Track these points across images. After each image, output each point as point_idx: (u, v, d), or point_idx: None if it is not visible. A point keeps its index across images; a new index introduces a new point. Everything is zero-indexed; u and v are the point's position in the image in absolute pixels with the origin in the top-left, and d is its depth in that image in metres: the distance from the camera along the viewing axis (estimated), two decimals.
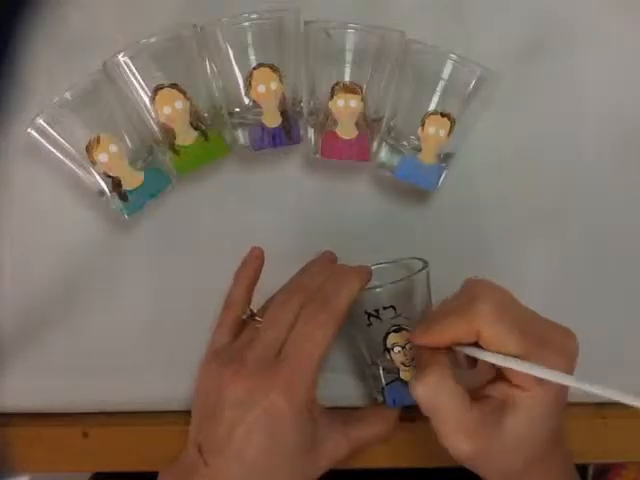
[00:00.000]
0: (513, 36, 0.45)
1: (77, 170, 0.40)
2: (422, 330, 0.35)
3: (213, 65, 0.41)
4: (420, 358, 0.36)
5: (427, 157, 0.41)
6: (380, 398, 0.42)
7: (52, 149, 0.40)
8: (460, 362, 0.37)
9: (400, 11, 0.44)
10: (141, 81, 0.40)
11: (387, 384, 0.41)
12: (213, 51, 0.40)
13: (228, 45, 0.40)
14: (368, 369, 0.43)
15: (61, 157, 0.40)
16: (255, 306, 0.42)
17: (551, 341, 0.34)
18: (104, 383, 0.46)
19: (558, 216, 0.46)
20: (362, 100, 0.40)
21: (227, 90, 0.41)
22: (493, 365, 0.34)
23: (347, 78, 0.40)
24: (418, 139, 0.41)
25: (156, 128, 0.41)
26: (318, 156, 0.42)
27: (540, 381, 0.33)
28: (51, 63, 0.44)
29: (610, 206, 0.46)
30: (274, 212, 0.46)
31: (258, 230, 0.45)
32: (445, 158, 0.41)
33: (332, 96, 0.40)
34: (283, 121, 0.41)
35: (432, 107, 0.40)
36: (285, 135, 0.41)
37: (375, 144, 0.42)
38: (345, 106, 0.40)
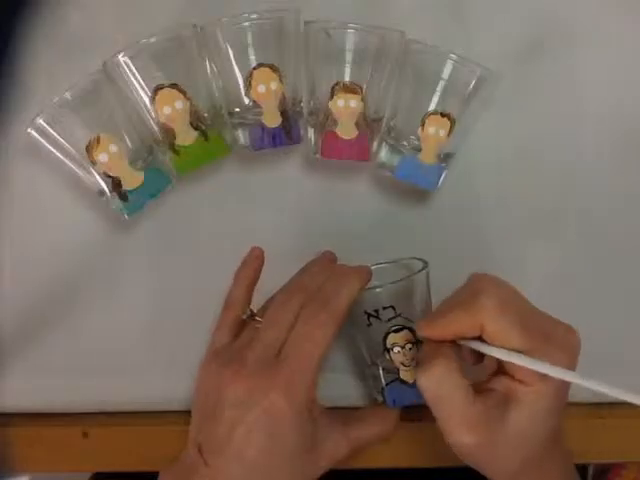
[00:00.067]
0: (513, 36, 0.45)
1: (77, 170, 0.40)
2: (426, 323, 0.36)
3: (213, 65, 0.41)
4: (425, 350, 0.36)
5: (427, 157, 0.41)
6: (380, 398, 0.42)
7: (52, 149, 0.40)
8: (465, 357, 0.37)
9: (400, 11, 0.44)
10: (141, 81, 0.40)
11: (387, 384, 0.41)
12: (213, 51, 0.40)
13: (228, 45, 0.40)
14: (368, 369, 0.43)
15: (61, 157, 0.40)
16: (255, 306, 0.42)
17: (554, 337, 0.34)
18: (104, 383, 0.46)
19: (558, 216, 0.46)
20: (362, 100, 0.40)
21: (227, 90, 0.41)
22: (497, 360, 0.34)
23: (347, 78, 0.40)
24: (418, 139, 0.41)
25: (156, 128, 0.41)
26: (318, 156, 0.42)
27: (543, 376, 0.33)
28: (51, 63, 0.44)
29: (610, 206, 0.46)
30: (274, 212, 0.46)
31: (258, 230, 0.45)
32: (445, 158, 0.41)
33: (332, 96, 0.40)
34: (283, 121, 0.41)
35: (432, 107, 0.40)
36: (285, 135, 0.41)
37: (375, 144, 0.42)
38: (345, 106, 0.40)
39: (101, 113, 0.40)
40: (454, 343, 0.35)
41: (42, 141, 0.39)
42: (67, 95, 0.39)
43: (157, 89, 0.40)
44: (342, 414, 0.40)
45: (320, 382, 0.38)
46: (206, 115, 0.41)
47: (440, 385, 0.33)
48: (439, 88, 0.40)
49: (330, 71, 0.40)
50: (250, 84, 0.40)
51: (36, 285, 0.46)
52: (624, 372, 0.41)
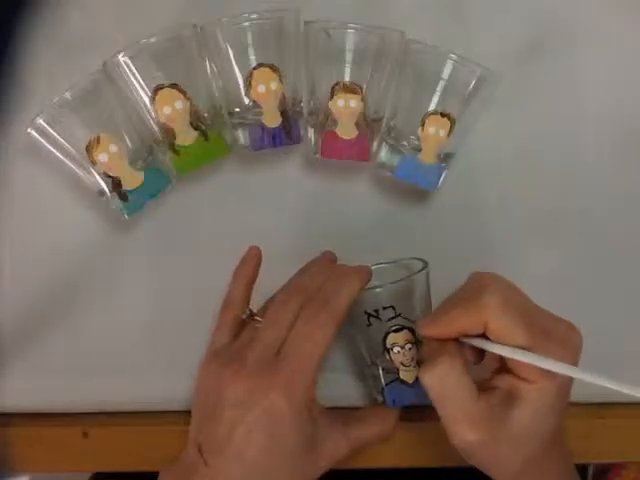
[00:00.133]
0: (513, 36, 0.45)
1: (77, 170, 0.40)
2: (430, 321, 0.36)
3: (213, 65, 0.41)
4: (428, 348, 0.36)
5: (427, 157, 0.41)
6: (380, 398, 0.42)
7: (52, 149, 0.40)
8: (466, 356, 0.37)
9: (400, 11, 0.44)
10: (141, 81, 0.40)
11: (387, 384, 0.41)
12: (213, 51, 0.40)
13: (228, 45, 0.40)
14: (368, 369, 0.43)
15: (61, 157, 0.40)
16: (256, 306, 0.42)
17: (556, 334, 0.34)
18: (104, 383, 0.46)
19: (558, 216, 0.46)
20: (362, 100, 0.40)
21: (227, 90, 0.41)
22: (500, 357, 0.34)
23: (347, 78, 0.40)
24: (418, 139, 0.41)
25: (156, 128, 0.41)
26: (318, 156, 0.42)
27: (545, 374, 0.33)
28: (51, 63, 0.44)
29: (610, 206, 0.46)
30: (274, 212, 0.46)
31: (258, 230, 0.45)
32: (445, 158, 0.41)
33: (332, 96, 0.40)
34: (283, 121, 0.41)
35: (432, 107, 0.40)
36: (285, 135, 0.41)
37: (375, 144, 0.42)
38: (345, 106, 0.40)
39: (101, 113, 0.40)
40: (457, 341, 0.35)
41: (42, 141, 0.39)
42: (67, 95, 0.39)
43: (157, 89, 0.40)
44: (342, 414, 0.40)
45: (320, 382, 0.38)
46: (206, 115, 0.41)
47: (444, 383, 0.34)
48: (439, 88, 0.40)
49: (330, 71, 0.40)
50: (250, 84, 0.40)
51: (36, 285, 0.46)
52: (624, 372, 0.41)
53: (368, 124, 0.41)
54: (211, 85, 0.41)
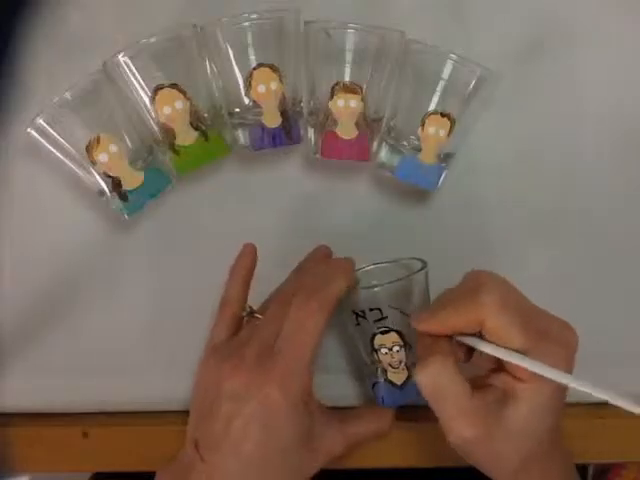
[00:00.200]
0: (513, 36, 0.45)
1: (77, 170, 0.41)
2: (425, 317, 0.36)
3: (213, 65, 0.41)
4: (422, 345, 0.36)
5: (427, 157, 0.41)
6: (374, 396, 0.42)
7: (52, 149, 0.40)
8: (458, 354, 0.36)
9: (400, 11, 0.44)
10: (141, 81, 0.40)
11: (376, 383, 0.41)
12: (213, 51, 0.40)
13: (228, 45, 0.40)
14: (366, 368, 0.43)
15: (61, 157, 0.40)
16: (256, 305, 0.42)
17: (551, 333, 0.34)
18: (104, 383, 0.46)
19: (558, 216, 0.46)
20: (362, 100, 0.40)
21: (227, 90, 0.41)
22: (496, 356, 0.34)
23: (347, 78, 0.40)
24: (418, 139, 0.41)
25: (156, 128, 0.41)
26: (318, 156, 0.42)
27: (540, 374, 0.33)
28: (51, 63, 0.44)
29: (610, 206, 0.46)
30: (274, 212, 0.46)
31: (258, 230, 0.45)
32: (445, 158, 0.41)
33: (332, 96, 0.40)
34: (283, 121, 0.41)
35: (432, 107, 0.40)
36: (285, 135, 0.41)
37: (375, 144, 0.42)
38: (345, 106, 0.40)
39: (101, 113, 0.40)
40: (449, 339, 0.35)
41: (42, 141, 0.39)
42: (67, 95, 0.39)
43: (157, 89, 0.40)
44: (339, 412, 0.40)
45: (320, 382, 0.38)
46: (206, 115, 0.41)
47: (437, 381, 0.34)
48: (439, 88, 0.40)
49: (330, 71, 0.40)
50: (250, 84, 0.40)
51: (36, 285, 0.46)
52: (624, 372, 0.41)
53: (368, 124, 0.41)
54: (211, 85, 0.41)
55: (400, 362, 0.40)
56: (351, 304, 0.40)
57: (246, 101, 0.41)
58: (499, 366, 0.36)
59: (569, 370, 0.34)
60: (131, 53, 0.39)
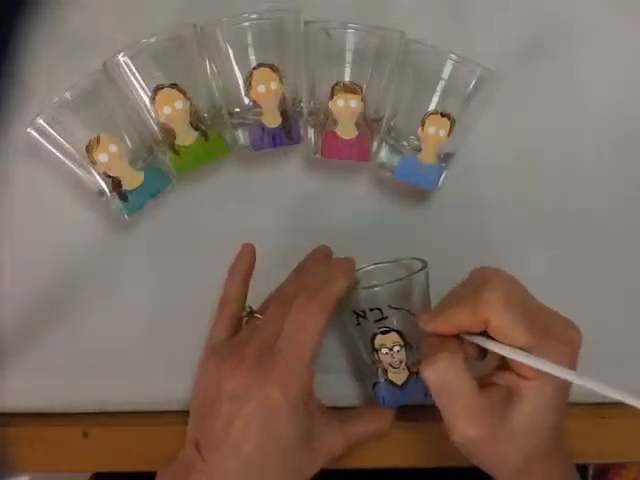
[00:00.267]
0: (513, 36, 0.45)
1: (77, 170, 0.41)
2: (431, 316, 0.36)
3: (213, 65, 0.41)
4: (429, 343, 0.36)
5: (427, 157, 0.41)
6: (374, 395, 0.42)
7: (52, 149, 0.40)
8: (468, 351, 0.36)
9: (400, 11, 0.44)
10: (141, 81, 0.40)
11: (377, 383, 0.41)
12: (213, 51, 0.40)
13: (228, 45, 0.40)
14: (367, 368, 0.43)
15: (61, 157, 0.40)
16: (256, 305, 0.42)
17: (556, 331, 0.34)
18: (104, 383, 0.46)
19: (558, 216, 0.46)
20: (362, 100, 0.40)
21: (227, 90, 0.41)
22: (500, 355, 0.34)
23: (347, 78, 0.40)
24: (418, 139, 0.41)
25: (156, 128, 0.41)
26: (318, 156, 0.42)
27: (545, 372, 0.33)
28: (51, 63, 0.44)
29: (610, 206, 0.46)
30: (274, 212, 0.46)
31: (258, 230, 0.45)
32: (445, 158, 0.41)
33: (332, 96, 0.40)
34: (283, 121, 0.41)
35: (432, 107, 0.40)
36: (285, 135, 0.41)
37: (375, 144, 0.42)
38: (345, 106, 0.40)
39: (101, 113, 0.40)
40: (457, 337, 0.35)
41: (42, 141, 0.39)
42: (67, 95, 0.39)
43: (157, 89, 0.40)
44: (339, 412, 0.40)
45: (320, 382, 0.38)
46: (206, 115, 0.41)
47: (444, 378, 0.34)
48: (439, 88, 0.40)
49: (330, 71, 0.40)
50: (250, 84, 0.40)
51: (36, 285, 0.46)
52: (624, 372, 0.41)
53: (368, 124, 0.41)
54: (211, 85, 0.41)
55: (400, 362, 0.40)
56: (351, 304, 0.40)
57: (246, 101, 0.41)
58: (504, 364, 0.36)
59: (573, 367, 0.34)
60: (131, 53, 0.39)
